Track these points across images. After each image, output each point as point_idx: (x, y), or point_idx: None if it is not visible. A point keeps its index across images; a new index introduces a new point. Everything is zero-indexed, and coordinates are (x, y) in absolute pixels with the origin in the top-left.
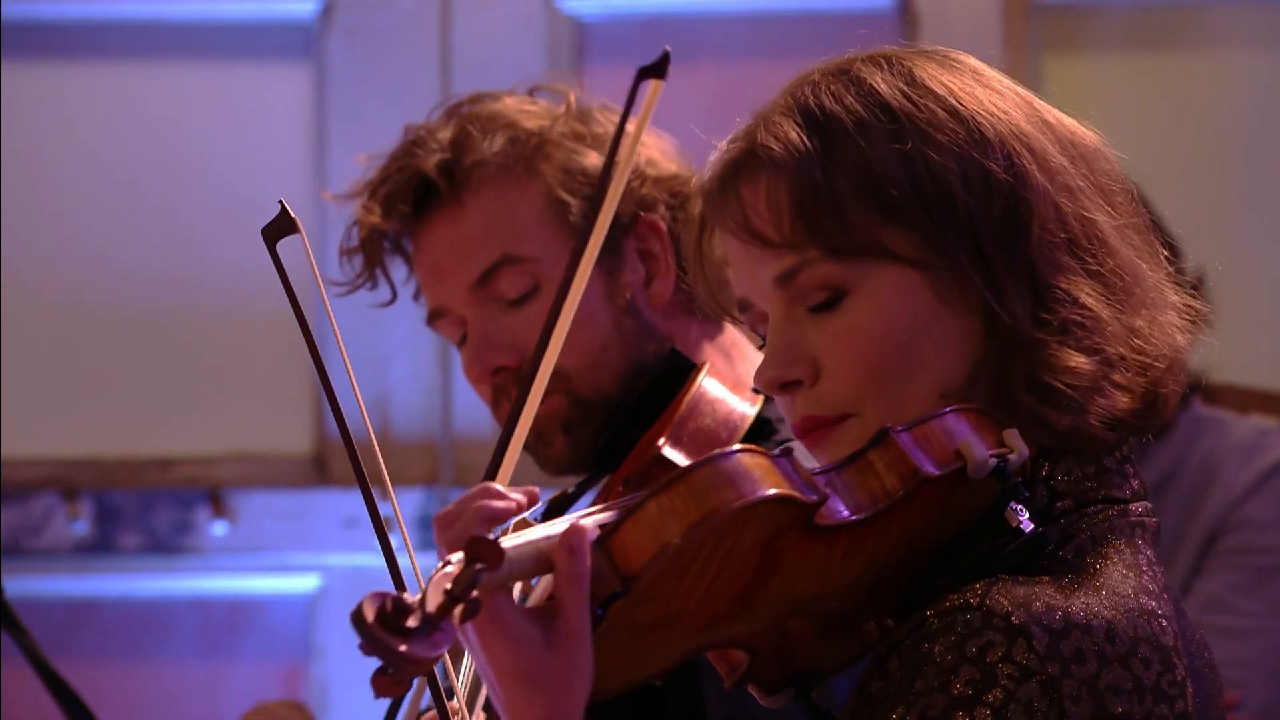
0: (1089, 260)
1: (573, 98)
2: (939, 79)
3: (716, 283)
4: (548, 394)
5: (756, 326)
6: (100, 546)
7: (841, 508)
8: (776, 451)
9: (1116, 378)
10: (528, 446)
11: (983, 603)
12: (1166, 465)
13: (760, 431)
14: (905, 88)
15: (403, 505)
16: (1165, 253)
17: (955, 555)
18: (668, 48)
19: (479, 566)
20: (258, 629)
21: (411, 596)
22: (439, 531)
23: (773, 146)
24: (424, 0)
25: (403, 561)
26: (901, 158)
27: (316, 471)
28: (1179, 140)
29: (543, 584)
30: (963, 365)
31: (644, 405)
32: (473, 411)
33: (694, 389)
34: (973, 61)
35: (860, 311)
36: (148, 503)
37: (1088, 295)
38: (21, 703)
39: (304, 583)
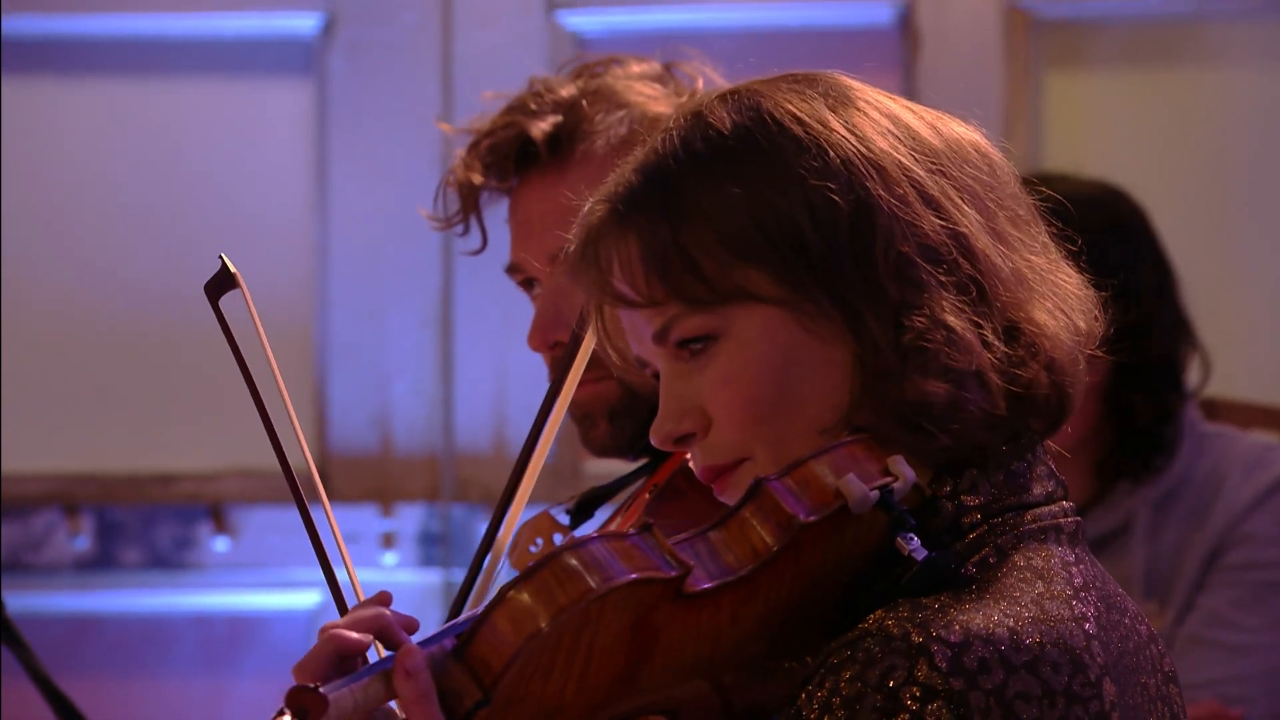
0: (948, 272)
1: (700, 84)
2: (785, 108)
3: (621, 346)
4: (601, 376)
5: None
6: (101, 562)
7: (716, 569)
8: (634, 530)
9: (988, 391)
10: (575, 422)
11: (880, 628)
12: (1170, 482)
13: None
14: (749, 124)
15: (404, 521)
16: (1061, 240)
17: (870, 585)
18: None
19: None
20: (259, 645)
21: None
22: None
23: (619, 206)
24: (425, 16)
25: (342, 577)
26: (745, 197)
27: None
28: (1180, 156)
29: None
30: (842, 395)
31: None
32: (475, 426)
33: None
34: (835, 80)
35: (732, 356)
36: (149, 518)
37: (946, 310)
38: (23, 719)
39: (305, 598)
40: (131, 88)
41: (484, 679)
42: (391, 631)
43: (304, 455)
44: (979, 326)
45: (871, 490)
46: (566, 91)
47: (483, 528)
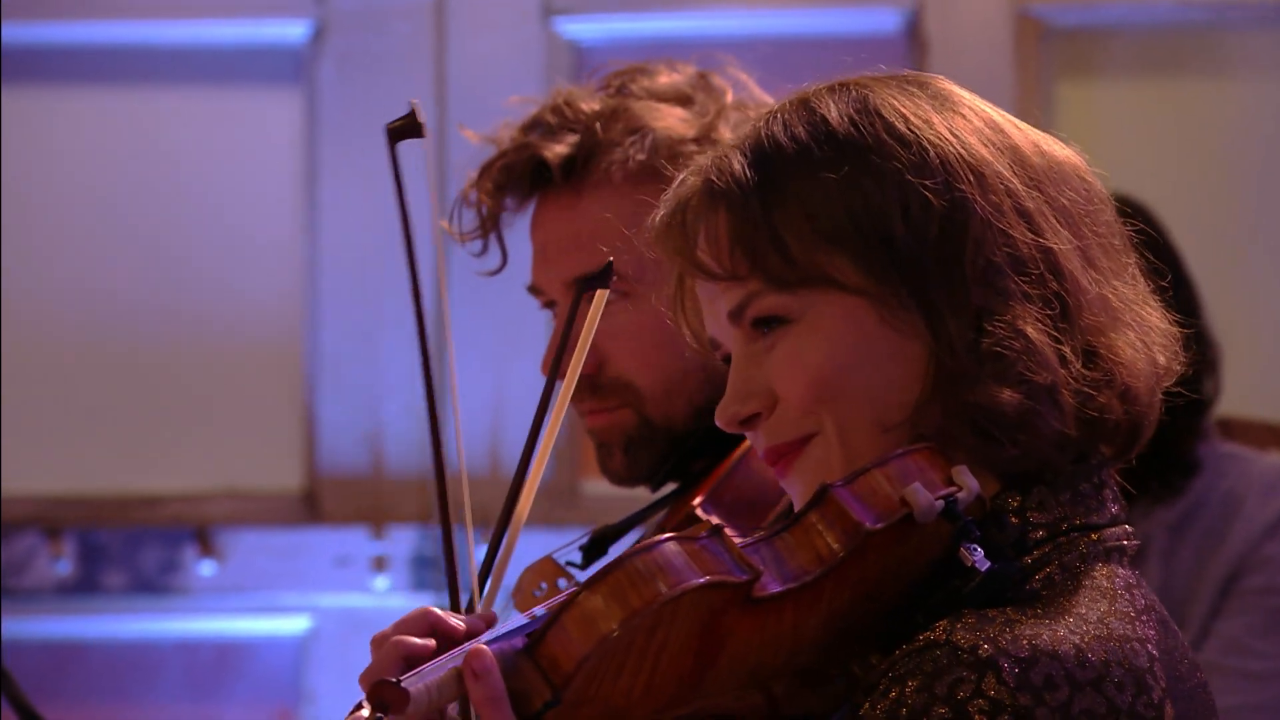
0: (1034, 285)
1: (726, 102)
2: (891, 104)
3: (698, 326)
4: (617, 405)
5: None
6: (85, 587)
7: (782, 575)
8: (704, 533)
9: (1062, 407)
10: (596, 449)
11: (949, 639)
12: (1187, 504)
13: None
14: (854, 114)
15: (397, 544)
16: (1152, 274)
17: (925, 595)
18: (611, 259)
19: (380, 716)
20: (247, 671)
21: None
22: (372, 653)
23: (715, 179)
24: (419, 25)
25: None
26: (840, 185)
27: (307, 509)
28: (1193, 167)
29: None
30: (911, 391)
31: (705, 444)
32: (469, 448)
33: (742, 447)
34: (942, 85)
35: (806, 337)
36: (133, 541)
37: (1027, 322)
38: None
39: (294, 624)
40: (115, 98)
41: (554, 679)
42: (450, 631)
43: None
44: (1058, 343)
45: (936, 500)
46: (588, 108)
47: (478, 551)
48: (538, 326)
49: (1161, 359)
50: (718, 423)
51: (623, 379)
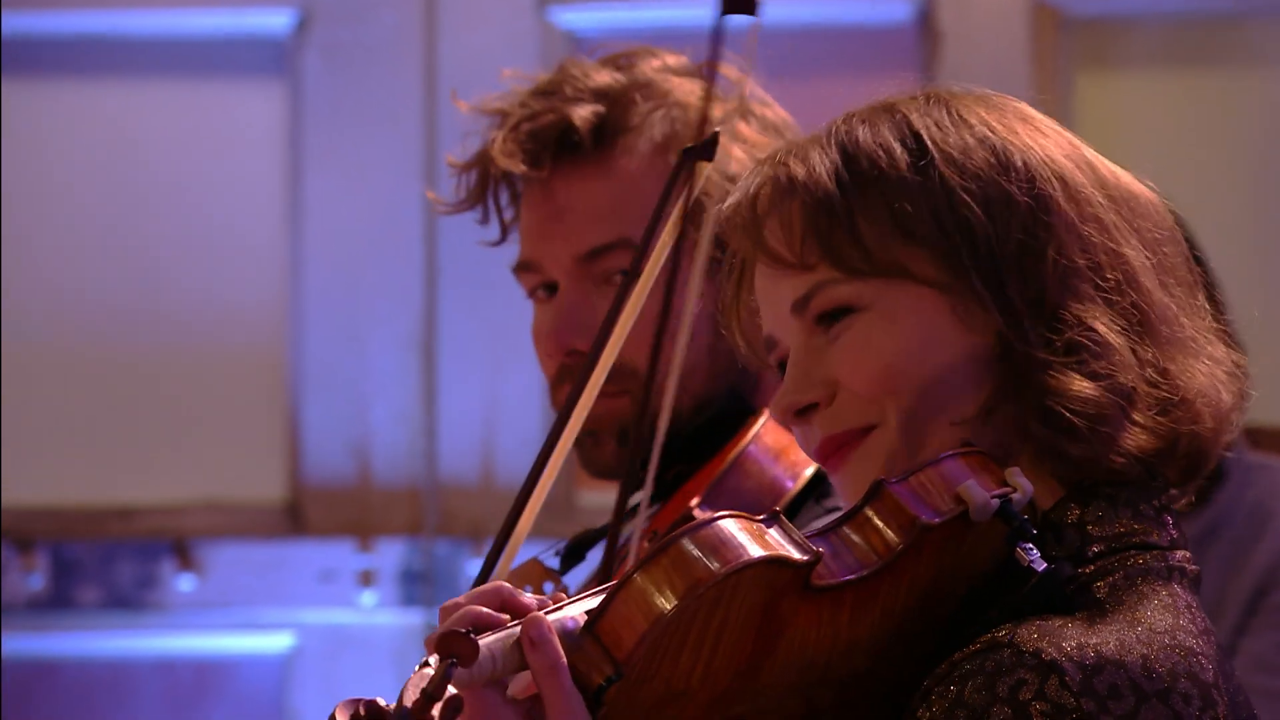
0: (1111, 292)
1: (746, 90)
2: (976, 112)
3: (751, 331)
4: (616, 392)
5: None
6: (57, 602)
7: (840, 566)
8: (762, 517)
9: (1133, 414)
10: (576, 440)
11: (1012, 640)
12: (1213, 516)
13: (805, 503)
14: (939, 117)
15: (384, 557)
16: (1213, 310)
17: (981, 601)
18: (717, 130)
19: (451, 663)
20: (228, 691)
21: (388, 703)
22: (440, 620)
23: (792, 168)
24: (408, 15)
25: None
26: (921, 178)
27: (290, 521)
28: (1217, 161)
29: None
30: (980, 389)
31: (695, 443)
32: (460, 456)
33: (742, 444)
34: (1023, 106)
35: (876, 327)
36: (108, 555)
37: (1103, 324)
38: None
39: (277, 641)
40: (91, 90)
41: (616, 655)
42: (518, 603)
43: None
44: (1134, 351)
45: (992, 498)
46: (605, 79)
47: (468, 564)
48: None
49: (1226, 397)
50: (773, 413)
51: (627, 365)
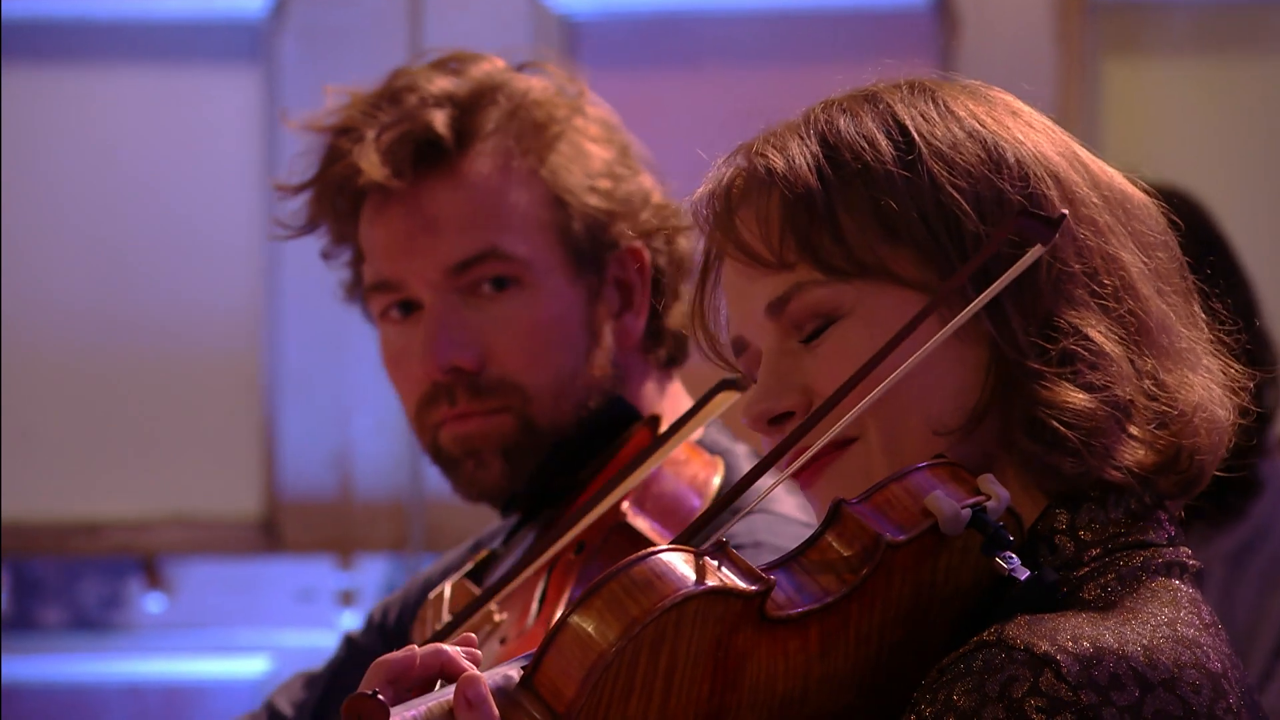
0: (1107, 299)
1: (585, 86)
2: (964, 104)
3: (714, 331)
4: (498, 409)
5: (752, 371)
6: (18, 623)
7: (801, 595)
8: (706, 545)
9: (1130, 427)
10: (449, 461)
11: (1000, 637)
12: (1247, 532)
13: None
14: (925, 108)
15: (366, 576)
16: (1217, 319)
17: (969, 622)
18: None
19: None
20: (199, 718)
21: None
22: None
23: (770, 159)
24: None
25: None
26: (908, 173)
27: (266, 537)
28: (1248, 151)
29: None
30: (966, 398)
31: (581, 452)
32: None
33: (665, 448)
34: (1011, 98)
35: (856, 333)
36: (72, 573)
37: (1099, 332)
38: None
39: (251, 665)
40: (56, 77)
41: (556, 707)
42: (453, 663)
43: None
44: (1132, 361)
45: (963, 508)
46: (448, 84)
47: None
48: None
49: (1221, 412)
50: (744, 420)
51: (508, 379)
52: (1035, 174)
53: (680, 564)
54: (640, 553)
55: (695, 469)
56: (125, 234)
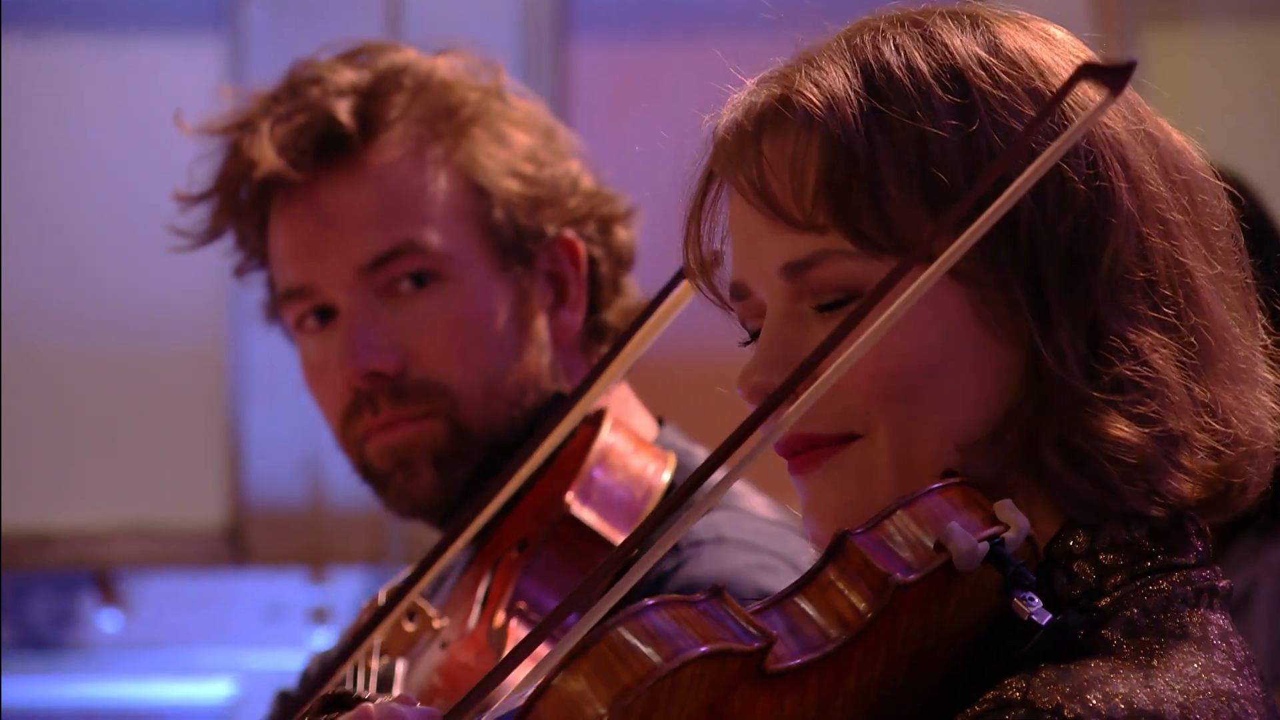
0: (1168, 312)
1: (502, 68)
2: (1028, 52)
3: (709, 261)
4: (425, 413)
5: (746, 321)
6: None
7: (800, 644)
8: (701, 596)
9: (1180, 458)
10: (379, 476)
11: (1025, 697)
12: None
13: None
14: (986, 55)
15: (340, 590)
16: (1264, 319)
17: (981, 665)
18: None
19: None
20: None
21: None
22: None
23: (811, 98)
24: None
25: None
26: (964, 141)
27: (232, 550)
28: None
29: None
30: (994, 405)
31: (521, 453)
32: None
33: (600, 440)
34: (1072, 42)
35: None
36: (21, 588)
37: (1157, 354)
38: None
39: (215, 688)
40: (6, 47)
41: None
42: None
43: None
44: (1190, 389)
45: (980, 542)
46: (352, 76)
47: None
48: None
49: (1270, 429)
50: (739, 391)
51: (432, 380)
52: (1104, 159)
53: (675, 622)
54: (630, 609)
55: (644, 461)
56: (77, 220)
